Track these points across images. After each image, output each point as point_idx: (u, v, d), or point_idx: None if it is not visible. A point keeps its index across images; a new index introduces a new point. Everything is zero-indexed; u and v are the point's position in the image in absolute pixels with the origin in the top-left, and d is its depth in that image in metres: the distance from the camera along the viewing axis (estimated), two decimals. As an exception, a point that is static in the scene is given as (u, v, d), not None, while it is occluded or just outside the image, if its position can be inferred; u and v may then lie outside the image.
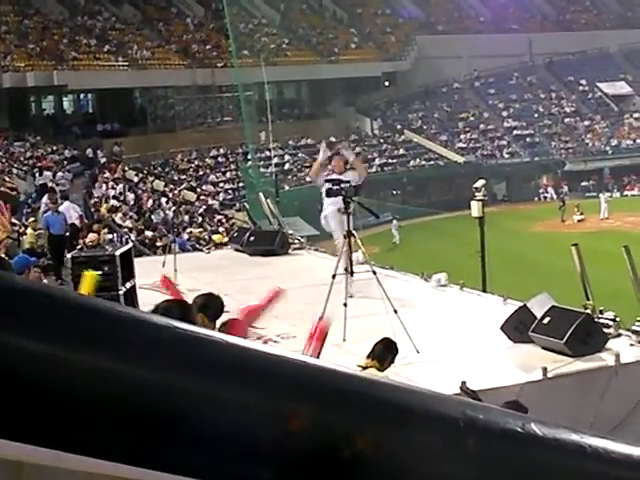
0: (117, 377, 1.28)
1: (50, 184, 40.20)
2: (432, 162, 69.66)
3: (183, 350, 1.33)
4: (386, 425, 1.32)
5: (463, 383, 8.51)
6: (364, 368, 8.42)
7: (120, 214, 37.21)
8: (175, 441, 1.28)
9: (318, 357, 7.50)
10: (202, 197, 52.20)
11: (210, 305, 7.58)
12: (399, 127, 72.90)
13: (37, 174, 42.27)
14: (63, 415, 1.26)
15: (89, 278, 10.45)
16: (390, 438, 1.31)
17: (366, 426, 1.31)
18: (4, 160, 44.56)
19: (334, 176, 14.44)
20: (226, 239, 29.28)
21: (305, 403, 1.32)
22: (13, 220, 23.60)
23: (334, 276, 12.10)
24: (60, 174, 44.22)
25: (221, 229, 40.57)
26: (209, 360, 1.34)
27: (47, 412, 1.25)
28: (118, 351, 1.29)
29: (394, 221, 51.92)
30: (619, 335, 11.02)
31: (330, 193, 13.26)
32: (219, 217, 45.81)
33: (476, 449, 1.34)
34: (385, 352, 8.82)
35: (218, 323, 7.44)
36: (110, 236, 28.91)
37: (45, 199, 26.04)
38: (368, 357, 8.78)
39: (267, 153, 60.49)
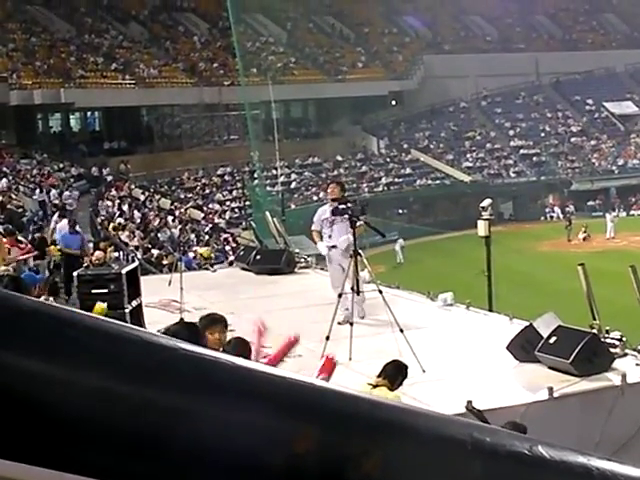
0: (120, 398, 1.27)
1: (56, 202, 40.31)
2: (438, 181, 69.67)
3: (188, 371, 1.33)
4: (393, 447, 1.32)
5: (469, 402, 8.49)
6: (375, 386, 8.44)
7: (126, 232, 37.22)
8: (179, 462, 1.28)
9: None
10: (208, 215, 52.25)
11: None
12: (405, 146, 72.93)
13: (37, 191, 42.27)
14: (65, 436, 1.25)
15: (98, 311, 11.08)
16: (397, 460, 1.31)
17: (373, 448, 1.30)
18: (11, 177, 44.62)
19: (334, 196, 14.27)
20: (233, 255, 29.24)
21: (311, 424, 1.32)
22: (20, 237, 23.65)
23: (340, 295, 12.10)
24: (67, 192, 44.28)
25: (227, 247, 40.61)
26: (214, 381, 1.33)
27: (49, 432, 1.25)
28: (122, 372, 1.29)
29: (399, 240, 51.78)
30: (625, 355, 11.01)
31: (336, 212, 13.23)
32: (225, 236, 45.81)
33: (483, 472, 1.34)
34: (396, 373, 8.81)
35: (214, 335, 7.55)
36: (116, 254, 28.92)
37: (56, 217, 26.29)
38: (379, 376, 8.78)
39: (274, 172, 60.57)
